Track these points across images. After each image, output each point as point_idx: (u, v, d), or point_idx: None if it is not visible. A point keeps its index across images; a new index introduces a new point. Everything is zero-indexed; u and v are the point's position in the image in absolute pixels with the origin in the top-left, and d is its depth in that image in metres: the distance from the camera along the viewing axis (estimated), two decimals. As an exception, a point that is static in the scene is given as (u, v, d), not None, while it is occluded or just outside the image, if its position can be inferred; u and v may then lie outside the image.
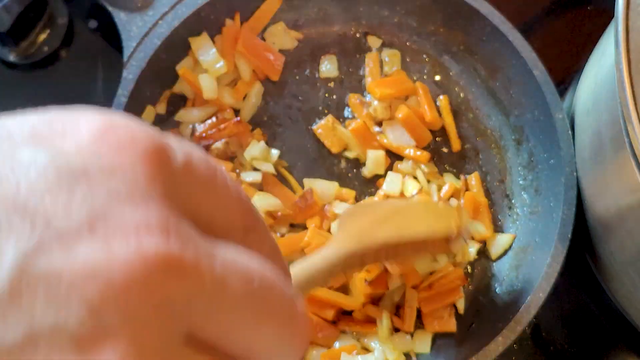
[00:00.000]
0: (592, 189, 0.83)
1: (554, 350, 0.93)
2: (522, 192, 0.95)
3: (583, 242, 0.91)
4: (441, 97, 0.99)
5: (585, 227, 0.87)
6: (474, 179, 0.95)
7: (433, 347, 0.90)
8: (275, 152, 0.94)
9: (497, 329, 0.83)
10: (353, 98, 0.98)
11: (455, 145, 0.97)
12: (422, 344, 0.90)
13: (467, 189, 0.95)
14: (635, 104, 0.62)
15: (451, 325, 0.89)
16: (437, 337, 0.90)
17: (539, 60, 0.90)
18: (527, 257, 0.90)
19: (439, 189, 0.93)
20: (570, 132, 0.88)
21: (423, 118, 0.96)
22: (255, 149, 0.92)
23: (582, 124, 0.87)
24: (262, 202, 0.89)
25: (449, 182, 0.94)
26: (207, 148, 0.92)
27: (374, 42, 1.01)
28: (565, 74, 1.03)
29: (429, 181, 0.94)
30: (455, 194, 0.93)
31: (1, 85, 1.03)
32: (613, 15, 0.65)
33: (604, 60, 0.79)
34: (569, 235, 0.84)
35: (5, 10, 0.97)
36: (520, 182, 0.96)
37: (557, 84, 0.91)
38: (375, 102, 0.96)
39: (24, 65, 1.03)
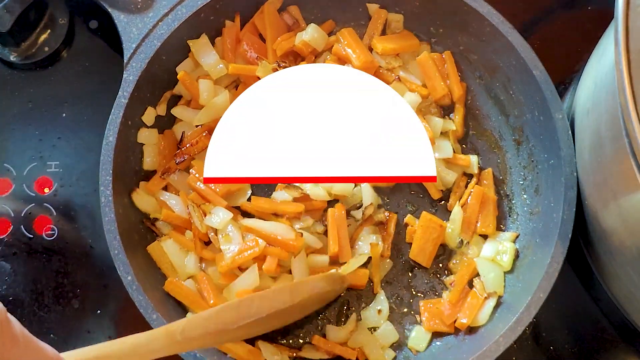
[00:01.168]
0: (592, 189, 0.83)
1: (554, 350, 0.93)
2: (522, 192, 0.95)
3: (583, 242, 0.91)
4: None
5: (585, 227, 0.87)
6: (486, 175, 0.96)
7: (433, 346, 0.90)
8: None
9: (497, 329, 0.84)
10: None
11: (459, 130, 0.98)
12: (419, 341, 0.90)
13: (478, 182, 0.96)
14: (635, 104, 0.62)
15: (450, 326, 0.90)
16: (436, 337, 0.91)
17: (539, 60, 0.90)
18: (527, 258, 0.90)
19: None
20: (570, 132, 0.88)
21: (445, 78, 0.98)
22: None
23: (582, 124, 0.86)
24: None
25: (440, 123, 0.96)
26: (188, 161, 0.93)
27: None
28: (565, 74, 1.03)
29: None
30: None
31: (1, 85, 1.03)
32: (613, 15, 0.65)
33: (604, 60, 0.79)
34: (569, 235, 0.84)
35: (6, 11, 0.97)
36: (520, 182, 0.96)
37: (557, 84, 0.91)
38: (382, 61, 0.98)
39: (25, 65, 1.03)
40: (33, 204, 0.97)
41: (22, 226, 0.96)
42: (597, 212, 0.83)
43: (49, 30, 1.03)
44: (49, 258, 0.95)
